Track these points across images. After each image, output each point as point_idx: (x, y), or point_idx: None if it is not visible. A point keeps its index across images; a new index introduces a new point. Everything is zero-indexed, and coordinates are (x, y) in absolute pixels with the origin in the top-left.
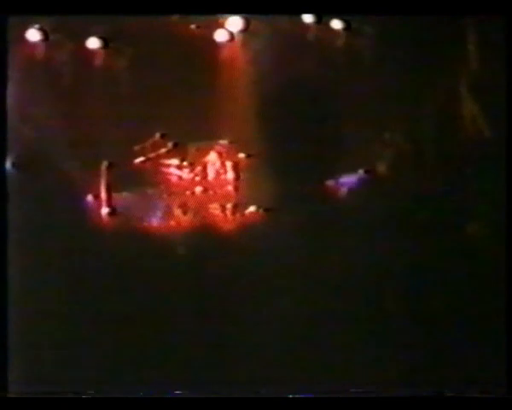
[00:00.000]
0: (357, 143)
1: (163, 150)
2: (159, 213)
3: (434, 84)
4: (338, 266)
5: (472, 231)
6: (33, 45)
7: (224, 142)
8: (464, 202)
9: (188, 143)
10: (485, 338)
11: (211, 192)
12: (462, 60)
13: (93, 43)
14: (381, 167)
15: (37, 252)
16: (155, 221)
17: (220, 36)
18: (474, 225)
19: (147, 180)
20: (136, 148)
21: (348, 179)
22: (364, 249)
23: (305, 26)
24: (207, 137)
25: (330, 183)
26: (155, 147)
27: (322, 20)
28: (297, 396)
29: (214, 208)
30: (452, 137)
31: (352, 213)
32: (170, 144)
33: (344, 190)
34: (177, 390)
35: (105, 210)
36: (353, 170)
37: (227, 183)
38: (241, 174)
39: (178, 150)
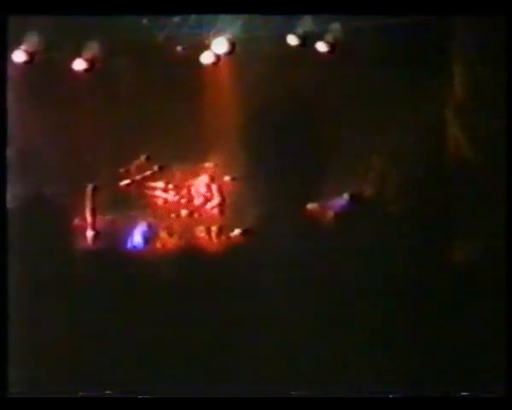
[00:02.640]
0: (343, 166)
1: (148, 173)
2: (145, 236)
3: (429, 88)
4: (324, 287)
5: (465, 250)
6: (18, 67)
7: (209, 165)
8: (452, 221)
9: (173, 165)
10: (485, 339)
11: (196, 215)
12: (461, 60)
13: (79, 64)
14: (367, 191)
15: (36, 254)
16: (141, 242)
17: (206, 58)
18: (467, 243)
19: (132, 203)
20: (122, 170)
21: (333, 203)
22: (351, 270)
23: (290, 49)
24: (193, 160)
25: (315, 206)
26: (140, 170)
27: (306, 43)
28: (297, 396)
29: (199, 231)
30: (442, 157)
31: (338, 236)
32: (155, 167)
33: (329, 214)
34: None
35: (90, 233)
36: (339, 193)
37: (212, 205)
38: (227, 197)
39: (164, 173)
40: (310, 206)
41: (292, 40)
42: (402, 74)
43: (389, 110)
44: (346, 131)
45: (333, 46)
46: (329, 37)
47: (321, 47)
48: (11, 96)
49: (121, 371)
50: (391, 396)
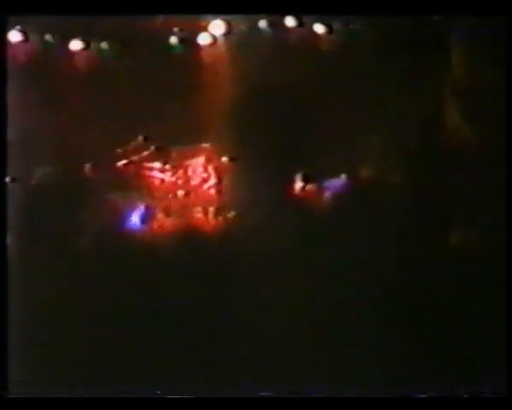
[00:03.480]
0: (341, 147)
1: (145, 153)
2: (142, 216)
3: (430, 84)
4: (322, 269)
5: (464, 234)
6: (14, 47)
7: (206, 145)
8: (452, 204)
9: (170, 146)
10: (485, 338)
11: (193, 195)
12: (461, 60)
13: (75, 45)
14: (364, 172)
15: (35, 254)
16: (138, 224)
17: (203, 39)
18: (465, 227)
19: (129, 183)
20: (119, 150)
21: (331, 183)
22: (349, 252)
23: (288, 30)
24: (190, 140)
25: (313, 186)
26: (138, 150)
27: (304, 23)
28: (297, 396)
29: (196, 211)
30: (442, 141)
31: (336, 217)
32: (152, 147)
33: (327, 194)
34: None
35: (88, 214)
36: (336, 174)
37: (209, 186)
38: (224, 178)
39: (161, 153)
40: (307, 186)
41: (289, 21)
42: (401, 74)
43: (388, 99)
44: (345, 113)
45: (331, 27)
46: (327, 18)
47: (319, 28)
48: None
49: (121, 370)
50: (390, 396)
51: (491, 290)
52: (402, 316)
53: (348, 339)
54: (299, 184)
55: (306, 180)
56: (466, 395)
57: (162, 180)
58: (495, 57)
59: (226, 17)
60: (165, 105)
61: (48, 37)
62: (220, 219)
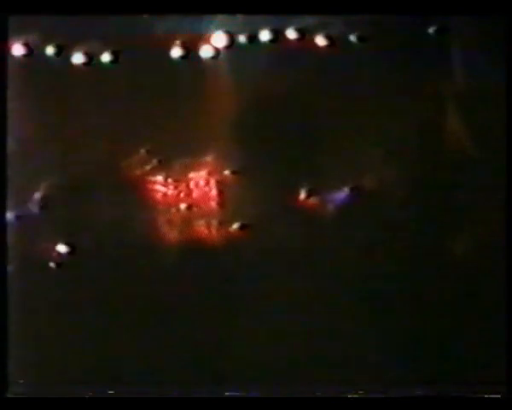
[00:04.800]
0: (344, 159)
1: (148, 167)
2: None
3: (431, 88)
4: (324, 282)
5: (467, 243)
6: (16, 60)
7: (208, 159)
8: (455, 216)
9: (172, 159)
10: (485, 338)
11: (195, 209)
12: (461, 60)
13: (77, 59)
14: (368, 184)
15: (35, 254)
16: (141, 238)
17: (205, 52)
18: (468, 237)
19: (132, 196)
20: (122, 164)
21: (334, 196)
22: (351, 266)
23: (289, 42)
24: (192, 153)
25: (316, 200)
26: (140, 163)
27: (305, 36)
28: (296, 396)
29: (199, 225)
30: (443, 150)
31: (339, 230)
32: (155, 161)
33: (330, 207)
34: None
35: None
36: (339, 187)
37: (212, 199)
38: (226, 191)
39: (163, 167)
40: (310, 200)
41: (291, 34)
42: (401, 73)
43: (389, 106)
44: (347, 125)
45: (332, 40)
46: (330, 31)
47: (321, 40)
48: (11, 93)
49: (121, 370)
50: (390, 396)
51: (491, 290)
52: (402, 316)
53: (348, 339)
54: (302, 196)
55: (310, 192)
56: (466, 395)
57: (165, 194)
58: (495, 57)
59: (228, 28)
60: (168, 118)
61: (49, 50)
62: (223, 232)
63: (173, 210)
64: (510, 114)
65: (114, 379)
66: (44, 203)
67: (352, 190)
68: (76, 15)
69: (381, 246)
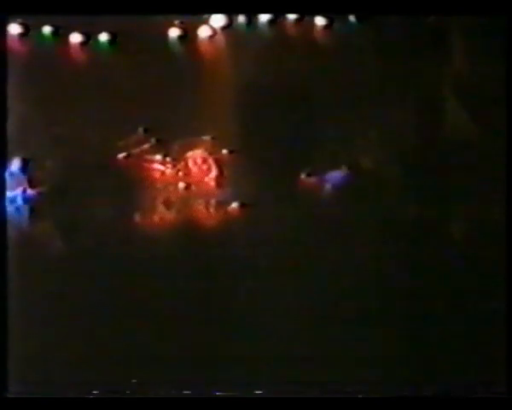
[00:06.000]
0: (342, 139)
1: (146, 146)
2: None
3: (430, 83)
4: (322, 260)
5: (462, 227)
6: (13, 40)
7: (206, 138)
8: (452, 198)
9: (171, 138)
10: (485, 338)
11: (194, 188)
12: (461, 60)
13: (75, 38)
14: (365, 163)
15: (35, 254)
16: (138, 216)
17: (203, 32)
18: (465, 221)
19: (130, 176)
20: (120, 143)
21: (332, 175)
22: (350, 244)
23: (289, 24)
24: (190, 132)
25: (314, 179)
26: (138, 143)
27: (304, 17)
28: (296, 396)
29: (197, 204)
30: (441, 137)
31: (336, 209)
32: (153, 140)
33: (327, 186)
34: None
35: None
36: (337, 166)
37: (210, 178)
38: (224, 170)
39: (161, 146)
40: (308, 178)
41: (291, 15)
42: (400, 73)
43: (389, 97)
44: (346, 104)
45: (331, 20)
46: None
47: (320, 21)
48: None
49: (121, 371)
50: (390, 396)
51: (491, 290)
52: (402, 316)
53: (348, 339)
54: (300, 177)
55: (308, 172)
56: (466, 395)
57: (163, 172)
58: (495, 57)
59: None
60: (166, 97)
61: (47, 30)
62: (221, 211)
63: (171, 188)
64: (510, 113)
65: (114, 379)
66: (43, 182)
67: (349, 170)
68: (75, 13)
69: (381, 230)
